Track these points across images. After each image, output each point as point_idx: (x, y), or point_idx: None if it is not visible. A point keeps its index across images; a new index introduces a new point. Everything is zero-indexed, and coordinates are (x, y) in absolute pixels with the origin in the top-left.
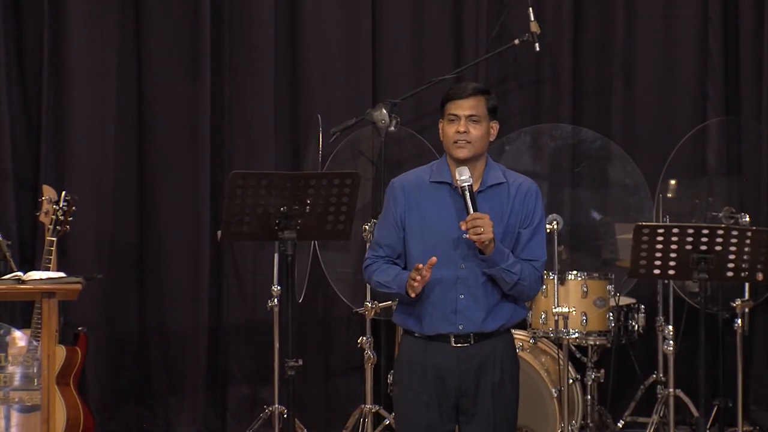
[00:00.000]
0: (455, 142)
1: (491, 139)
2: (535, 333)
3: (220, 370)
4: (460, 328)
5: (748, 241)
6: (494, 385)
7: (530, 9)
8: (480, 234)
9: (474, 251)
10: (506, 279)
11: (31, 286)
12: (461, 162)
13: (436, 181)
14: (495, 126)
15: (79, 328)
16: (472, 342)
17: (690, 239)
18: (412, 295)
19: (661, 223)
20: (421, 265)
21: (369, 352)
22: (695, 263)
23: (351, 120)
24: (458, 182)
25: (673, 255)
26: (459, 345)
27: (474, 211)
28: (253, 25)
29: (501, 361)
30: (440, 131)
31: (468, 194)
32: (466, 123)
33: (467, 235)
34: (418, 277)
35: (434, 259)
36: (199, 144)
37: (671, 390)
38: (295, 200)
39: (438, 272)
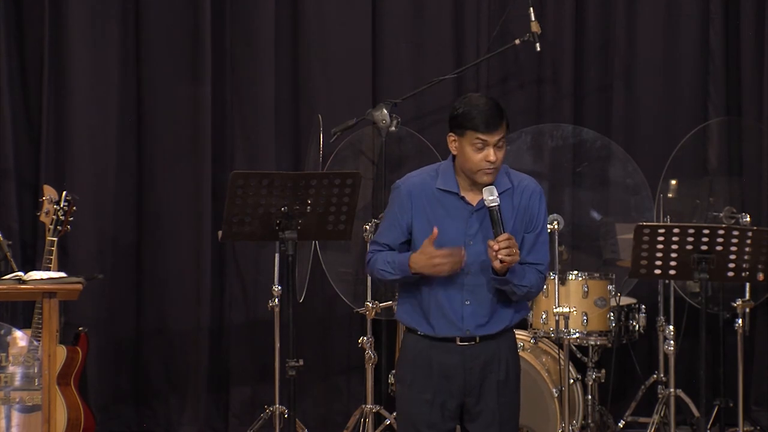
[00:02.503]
0: (482, 169)
1: None
2: (535, 333)
3: (221, 370)
4: (467, 333)
5: (748, 241)
6: (499, 383)
7: (531, 9)
8: (513, 256)
9: (481, 260)
10: (517, 292)
11: (32, 286)
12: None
13: (443, 189)
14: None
15: (80, 328)
16: (476, 341)
17: (691, 239)
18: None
19: (661, 223)
20: (434, 237)
21: (370, 352)
22: (696, 263)
23: (352, 120)
24: (486, 203)
25: (673, 255)
26: (464, 344)
27: (503, 231)
28: (253, 25)
29: (506, 359)
30: (452, 145)
31: (498, 215)
32: (495, 151)
33: (498, 256)
34: (441, 259)
35: (435, 230)
36: (200, 144)
37: (672, 390)
38: (296, 200)
39: (444, 278)
